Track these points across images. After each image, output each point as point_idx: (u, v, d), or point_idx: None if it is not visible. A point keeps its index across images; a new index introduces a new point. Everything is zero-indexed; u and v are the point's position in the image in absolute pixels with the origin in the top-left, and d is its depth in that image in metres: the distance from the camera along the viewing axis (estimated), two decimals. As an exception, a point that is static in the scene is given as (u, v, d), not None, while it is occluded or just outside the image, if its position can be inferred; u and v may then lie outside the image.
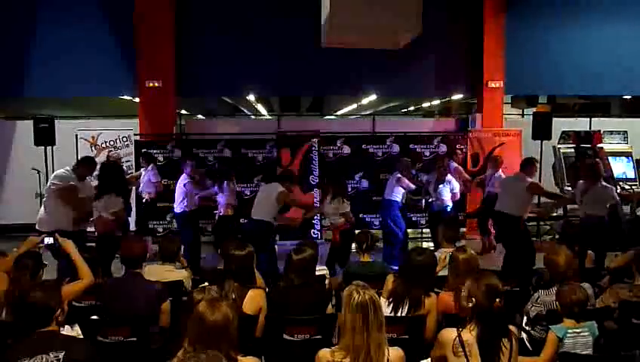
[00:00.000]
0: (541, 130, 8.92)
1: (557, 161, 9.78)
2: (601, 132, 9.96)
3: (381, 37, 5.45)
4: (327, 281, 4.86)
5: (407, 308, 3.55)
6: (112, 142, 9.45)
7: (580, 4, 10.19)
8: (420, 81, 10.43)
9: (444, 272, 4.15)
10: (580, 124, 10.60)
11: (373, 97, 13.22)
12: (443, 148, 9.50)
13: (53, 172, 8.10)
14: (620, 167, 9.73)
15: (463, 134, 9.96)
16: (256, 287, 3.72)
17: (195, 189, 7.77)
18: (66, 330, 3.30)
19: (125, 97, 10.87)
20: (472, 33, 10.10)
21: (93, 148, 9.37)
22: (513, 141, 9.66)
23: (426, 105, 18.06)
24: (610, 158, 9.61)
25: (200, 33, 9.73)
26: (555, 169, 9.82)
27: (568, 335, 3.23)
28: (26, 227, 6.62)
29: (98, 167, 6.27)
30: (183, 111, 14.93)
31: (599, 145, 9.79)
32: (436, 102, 16.34)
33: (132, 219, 8.40)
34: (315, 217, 9.02)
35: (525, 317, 3.86)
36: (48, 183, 5.92)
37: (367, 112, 19.55)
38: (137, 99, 9.91)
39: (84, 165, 6.05)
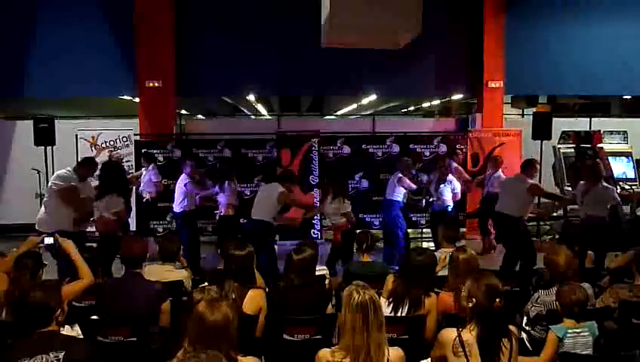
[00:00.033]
0: (541, 130, 8.92)
1: (557, 161, 9.78)
2: (601, 132, 9.97)
3: (381, 37, 5.45)
4: (327, 281, 4.86)
5: (407, 308, 3.55)
6: (112, 142, 9.44)
7: (579, 4, 10.19)
8: (419, 81, 10.43)
9: (444, 272, 4.15)
10: (580, 124, 10.61)
11: (373, 97, 13.21)
12: (443, 148, 9.51)
13: (53, 172, 8.13)
14: (620, 167, 9.74)
15: (463, 134, 9.96)
16: (256, 287, 3.72)
17: (195, 189, 7.78)
18: (66, 330, 3.30)
19: (125, 97, 10.87)
20: (472, 33, 10.10)
21: (93, 148, 9.37)
22: (513, 141, 9.66)
23: (426, 105, 18.06)
24: (610, 158, 9.61)
25: (200, 33, 9.73)
26: (555, 169, 9.82)
27: (568, 335, 3.23)
28: (26, 227, 6.62)
29: (99, 167, 6.26)
30: (183, 112, 14.93)
31: (599, 145, 9.79)
32: (436, 102, 16.34)
33: (132, 220, 8.39)
34: (315, 217, 9.02)
35: (525, 317, 3.86)
36: (49, 183, 5.91)
37: (367, 112, 19.54)
38: (137, 99, 9.91)
39: (85, 166, 6.05)
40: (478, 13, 10.02)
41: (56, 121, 8.59)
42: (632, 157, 9.80)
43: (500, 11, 9.99)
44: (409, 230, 8.46)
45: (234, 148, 9.33)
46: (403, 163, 7.94)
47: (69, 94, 10.48)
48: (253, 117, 20.57)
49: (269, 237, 6.70)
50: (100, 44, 9.53)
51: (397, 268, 4.83)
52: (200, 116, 16.30)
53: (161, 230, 9.02)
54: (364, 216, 9.19)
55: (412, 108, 19.97)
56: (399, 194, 7.79)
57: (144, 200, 8.38)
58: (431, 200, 8.17)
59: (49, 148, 8.48)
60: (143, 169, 8.37)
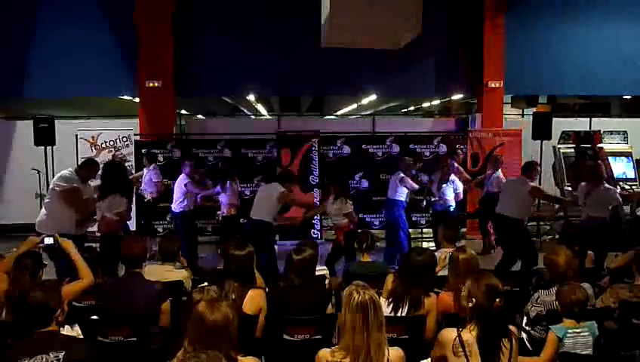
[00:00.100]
0: (541, 130, 8.92)
1: (557, 161, 9.78)
2: (601, 132, 9.97)
3: (381, 37, 5.45)
4: (327, 281, 4.86)
5: (407, 308, 3.55)
6: (112, 142, 9.44)
7: (579, 4, 10.19)
8: (419, 81, 10.43)
9: (444, 272, 4.15)
10: (580, 124, 10.61)
11: (373, 97, 13.22)
12: (443, 148, 9.52)
13: (53, 172, 8.17)
14: (620, 167, 9.74)
15: (463, 134, 9.97)
16: (256, 287, 3.72)
17: (195, 189, 7.77)
18: (66, 330, 3.30)
19: (125, 97, 10.87)
20: (472, 33, 10.10)
21: (93, 148, 9.37)
22: (513, 141, 9.67)
23: (426, 105, 18.06)
24: (610, 158, 9.61)
25: (200, 33, 9.73)
26: (555, 169, 9.82)
27: (568, 335, 3.23)
28: (26, 227, 6.61)
29: (101, 167, 6.25)
30: (183, 111, 14.95)
31: (599, 145, 9.80)
32: (436, 102, 16.35)
33: (132, 220, 8.37)
34: (316, 217, 9.02)
35: (525, 317, 3.86)
36: (52, 184, 5.83)
37: (367, 112, 19.55)
38: (137, 99, 9.91)
39: (87, 167, 6.02)
40: (478, 13, 10.02)
41: (56, 121, 8.59)
42: (632, 157, 9.81)
43: (500, 11, 9.99)
44: (409, 230, 8.46)
45: (234, 148, 9.34)
46: (405, 162, 7.95)
47: (69, 94, 10.48)
48: (253, 117, 20.58)
49: (269, 237, 6.70)
50: (100, 44, 9.53)
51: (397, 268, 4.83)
52: (200, 116, 16.31)
53: (161, 230, 9.02)
54: (365, 216, 9.20)
55: (412, 108, 19.98)
56: (402, 194, 7.80)
57: (145, 200, 8.37)
58: (433, 200, 8.17)
59: (49, 148, 8.48)
60: (145, 169, 8.37)
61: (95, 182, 6.18)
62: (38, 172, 8.94)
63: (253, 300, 3.54)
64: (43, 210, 5.85)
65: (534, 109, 12.04)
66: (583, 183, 6.67)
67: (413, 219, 9.31)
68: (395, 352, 2.64)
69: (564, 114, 12.76)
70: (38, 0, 9.60)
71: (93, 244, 5.57)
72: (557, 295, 3.45)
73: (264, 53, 9.72)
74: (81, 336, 3.38)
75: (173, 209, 7.79)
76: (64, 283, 3.65)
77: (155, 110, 9.52)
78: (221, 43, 9.75)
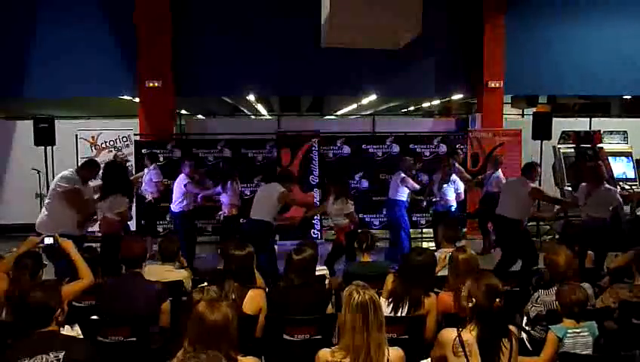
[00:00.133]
0: (541, 130, 8.92)
1: (557, 161, 9.78)
2: (601, 132, 9.96)
3: (381, 37, 5.46)
4: (327, 281, 4.85)
5: (407, 308, 3.55)
6: (112, 142, 9.44)
7: (579, 4, 10.20)
8: (419, 81, 10.43)
9: (444, 272, 4.15)
10: (580, 124, 10.61)
11: (373, 97, 13.22)
12: (443, 148, 9.52)
13: (53, 172, 8.17)
14: (620, 167, 9.74)
15: (463, 134, 9.98)
16: (256, 287, 3.72)
17: (195, 189, 7.77)
18: (66, 330, 3.30)
19: (125, 97, 10.87)
20: (472, 33, 10.10)
21: (93, 148, 9.37)
22: (513, 141, 9.67)
23: (426, 105, 18.06)
24: (610, 158, 9.62)
25: (199, 33, 9.73)
26: (555, 169, 9.82)
27: (568, 335, 3.23)
28: (26, 227, 6.61)
29: (101, 168, 6.24)
30: (183, 112, 14.95)
31: (599, 145, 9.80)
32: (436, 102, 16.34)
33: (132, 221, 8.37)
34: (316, 217, 9.02)
35: (525, 318, 3.86)
36: (53, 184, 5.80)
37: (367, 112, 19.56)
38: (137, 99, 9.91)
39: (87, 168, 6.00)
40: (478, 13, 10.02)
41: (56, 121, 8.59)
42: (632, 157, 9.81)
43: (500, 11, 10.00)
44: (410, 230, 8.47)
45: (234, 148, 9.34)
46: (405, 163, 7.95)
47: (69, 94, 10.48)
48: (253, 117, 20.58)
49: (269, 237, 6.69)
50: (100, 44, 9.53)
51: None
52: (200, 116, 16.31)
53: (161, 230, 9.02)
54: (364, 215, 9.19)
55: (412, 108, 19.98)
56: (403, 194, 7.81)
57: (146, 200, 8.36)
58: (434, 200, 8.18)
59: (49, 148, 8.47)
60: (146, 169, 8.37)
61: (95, 183, 6.17)
62: (38, 172, 8.94)
63: (253, 300, 3.54)
64: (44, 210, 5.83)
65: (534, 109, 12.04)
66: (583, 184, 6.66)
67: (414, 219, 9.31)
68: (395, 352, 2.64)
69: (564, 114, 12.76)
70: (38, 0, 9.61)
71: (94, 244, 5.57)
72: (557, 295, 3.45)
73: (264, 53, 9.72)
74: (81, 336, 3.38)
75: (172, 209, 7.78)
76: (64, 283, 3.65)
77: (155, 110, 9.52)
78: (221, 43, 9.75)
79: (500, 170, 8.47)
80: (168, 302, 3.72)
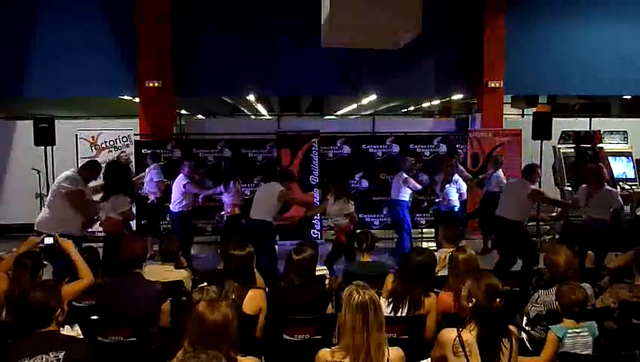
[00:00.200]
0: (541, 130, 8.91)
1: (557, 161, 9.78)
2: (601, 132, 9.96)
3: (381, 37, 5.46)
4: (327, 281, 4.85)
5: (407, 308, 3.55)
6: (112, 142, 9.44)
7: (579, 4, 10.19)
8: (420, 81, 10.42)
9: (444, 272, 4.15)
10: (580, 124, 10.61)
11: (373, 97, 13.22)
12: (443, 148, 9.52)
13: (53, 172, 8.17)
14: (620, 167, 9.74)
15: (463, 134, 9.98)
16: (256, 287, 3.72)
17: (194, 189, 7.77)
18: (66, 330, 3.30)
19: (125, 97, 10.87)
20: (472, 33, 10.10)
21: (93, 148, 9.37)
22: (513, 141, 9.67)
23: (426, 105, 18.07)
24: (610, 158, 9.61)
25: (199, 33, 9.73)
26: (555, 169, 9.82)
27: (568, 335, 3.23)
28: (26, 227, 6.60)
29: (103, 168, 6.24)
30: (183, 112, 14.95)
31: (599, 145, 9.79)
32: (436, 102, 16.35)
33: (133, 220, 8.37)
34: (316, 217, 9.02)
35: (525, 317, 3.86)
36: (55, 184, 5.77)
37: (367, 112, 19.56)
38: (137, 99, 9.91)
39: (88, 168, 5.99)
40: (478, 13, 10.02)
41: (56, 121, 8.58)
42: (632, 157, 9.80)
43: (500, 11, 9.99)
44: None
45: (234, 148, 9.33)
46: (407, 163, 7.96)
47: (69, 94, 10.48)
48: (253, 117, 20.58)
49: (270, 236, 6.69)
50: (100, 44, 9.53)
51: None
52: (200, 116, 16.31)
53: (163, 230, 9.00)
54: (364, 216, 9.19)
55: (412, 108, 19.99)
56: (405, 195, 7.84)
57: (149, 201, 8.34)
58: (437, 200, 8.19)
59: (49, 148, 8.47)
60: (147, 169, 8.37)
61: (94, 183, 6.17)
62: (38, 172, 8.94)
63: (253, 300, 3.54)
64: (44, 208, 5.82)
65: (534, 109, 12.04)
66: (584, 185, 6.66)
67: (414, 218, 9.31)
68: (395, 352, 2.64)
69: (564, 114, 12.76)
70: (38, 0, 9.60)
71: (94, 244, 5.57)
72: (557, 295, 3.46)
73: (264, 53, 9.72)
74: (81, 336, 3.38)
75: (171, 209, 7.78)
76: (64, 283, 3.65)
77: (155, 110, 9.52)
78: (221, 43, 9.75)
79: (500, 169, 8.48)
80: (168, 302, 3.73)
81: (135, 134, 9.45)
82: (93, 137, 9.42)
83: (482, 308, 2.78)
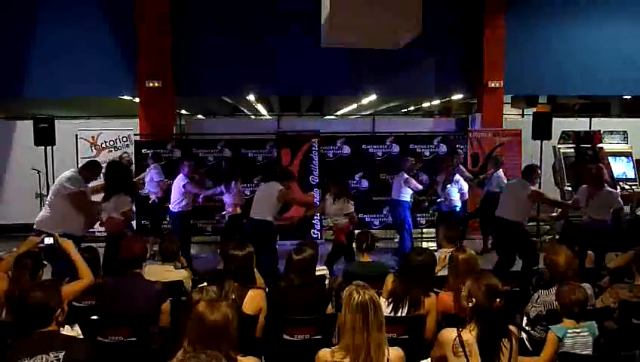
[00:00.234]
0: (541, 130, 8.91)
1: (557, 161, 9.78)
2: (601, 132, 9.96)
3: (381, 37, 5.46)
4: (327, 281, 4.85)
5: (406, 308, 3.55)
6: (112, 142, 9.45)
7: (579, 4, 10.19)
8: (420, 81, 10.42)
9: (444, 272, 4.15)
10: (580, 124, 10.61)
11: (373, 97, 13.22)
12: (443, 148, 9.52)
13: (53, 172, 8.17)
14: (620, 167, 9.73)
15: (463, 134, 9.98)
16: (257, 287, 3.72)
17: (194, 189, 7.77)
18: (66, 330, 3.30)
19: (125, 97, 10.88)
20: (472, 33, 10.10)
21: (93, 148, 9.38)
22: (513, 141, 9.67)
23: (426, 105, 18.07)
24: (610, 158, 9.61)
25: (199, 33, 9.73)
26: (555, 169, 9.81)
27: (568, 335, 3.23)
28: (26, 227, 6.61)
29: (103, 168, 6.24)
30: (183, 111, 14.95)
31: (599, 145, 9.79)
32: (436, 102, 16.35)
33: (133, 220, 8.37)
34: (316, 217, 9.02)
35: (525, 317, 3.86)
36: (57, 184, 5.75)
37: (367, 112, 19.56)
38: (137, 99, 9.91)
39: (89, 168, 5.99)
40: (478, 13, 10.02)
41: (56, 121, 8.58)
42: (632, 157, 9.80)
43: (500, 11, 10.00)
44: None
45: (234, 148, 9.33)
46: (407, 163, 7.97)
47: (69, 94, 10.48)
48: (253, 117, 20.58)
49: (271, 236, 6.69)
50: (100, 44, 9.53)
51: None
52: (200, 116, 16.31)
53: (162, 230, 9.00)
54: (364, 216, 9.19)
55: (412, 108, 19.99)
56: (406, 195, 7.85)
57: (150, 201, 8.34)
58: (438, 201, 8.20)
59: (49, 148, 8.47)
60: (147, 169, 8.37)
61: (93, 183, 6.16)
62: (38, 172, 8.94)
63: (253, 300, 3.54)
64: (45, 207, 5.81)
65: (534, 109, 12.04)
66: (584, 186, 6.66)
67: (415, 219, 9.30)
68: (395, 352, 2.64)
69: (564, 114, 12.76)
70: (38, 0, 9.60)
71: (94, 244, 5.57)
72: (557, 295, 3.45)
73: (264, 53, 9.72)
74: (81, 336, 3.38)
75: (171, 209, 7.78)
76: (64, 283, 3.64)
77: (155, 110, 9.52)
78: (221, 43, 9.75)
79: (501, 169, 8.48)
80: (168, 302, 3.73)
81: (135, 134, 9.45)
82: (93, 137, 9.43)
83: (482, 308, 2.78)
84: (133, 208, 8.36)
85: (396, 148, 9.49)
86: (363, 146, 9.53)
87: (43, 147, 8.41)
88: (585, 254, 5.78)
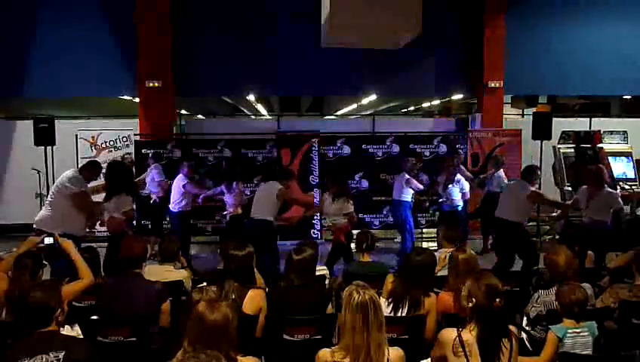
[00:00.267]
0: (541, 130, 8.91)
1: (557, 161, 9.78)
2: (601, 132, 9.96)
3: (381, 37, 5.47)
4: (327, 281, 4.85)
5: (406, 308, 3.55)
6: (112, 142, 9.45)
7: (579, 4, 10.20)
8: (420, 81, 10.42)
9: (444, 272, 4.15)
10: (580, 124, 10.61)
11: (373, 97, 13.22)
12: (443, 148, 9.53)
13: (53, 172, 8.17)
14: (620, 167, 9.73)
15: (463, 134, 9.98)
16: (257, 287, 3.72)
17: (194, 189, 7.77)
18: (66, 330, 3.30)
19: (125, 97, 10.87)
20: (472, 33, 10.10)
21: (93, 148, 9.38)
22: (513, 141, 9.67)
23: (426, 105, 18.07)
24: (610, 158, 9.61)
25: (199, 33, 9.73)
26: (555, 169, 9.81)
27: (568, 335, 3.23)
28: (26, 227, 6.61)
29: (104, 168, 6.24)
30: (183, 112, 14.94)
31: (599, 145, 9.79)
32: (436, 102, 16.35)
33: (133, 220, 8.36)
34: (316, 217, 9.02)
35: (525, 317, 3.86)
36: (58, 183, 5.73)
37: (367, 112, 19.56)
38: (137, 99, 9.91)
39: (89, 168, 5.98)
40: (478, 13, 10.02)
41: (56, 121, 8.58)
42: (632, 157, 9.80)
43: (500, 11, 10.00)
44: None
45: (234, 148, 9.33)
46: (408, 164, 7.98)
47: (69, 94, 10.48)
48: (253, 117, 20.58)
49: (272, 236, 6.68)
50: (100, 44, 9.53)
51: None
52: (200, 116, 16.30)
53: (163, 230, 8.99)
54: (364, 216, 9.20)
55: (412, 108, 19.99)
56: (407, 195, 7.86)
57: (152, 201, 8.34)
58: (440, 201, 8.20)
59: (49, 148, 8.47)
60: (148, 169, 8.37)
61: (93, 183, 6.16)
62: (38, 172, 8.94)
63: (253, 300, 3.54)
64: (45, 207, 5.79)
65: (534, 109, 12.04)
66: (584, 186, 6.66)
67: (415, 219, 9.30)
68: (395, 352, 2.64)
69: (564, 114, 12.76)
70: (38, 0, 9.60)
71: (94, 244, 5.57)
72: (557, 295, 3.45)
73: (264, 53, 9.72)
74: (81, 336, 3.38)
75: (171, 209, 7.79)
76: (64, 283, 3.64)
77: (155, 110, 9.52)
78: (221, 43, 9.75)
79: (501, 169, 8.48)
80: (168, 302, 3.73)
81: (135, 134, 9.45)
82: (93, 137, 9.43)
83: (482, 308, 2.78)
84: (134, 208, 8.41)
85: (396, 148, 9.49)
86: (363, 146, 9.53)
87: (43, 147, 8.42)
88: (585, 254, 5.77)
